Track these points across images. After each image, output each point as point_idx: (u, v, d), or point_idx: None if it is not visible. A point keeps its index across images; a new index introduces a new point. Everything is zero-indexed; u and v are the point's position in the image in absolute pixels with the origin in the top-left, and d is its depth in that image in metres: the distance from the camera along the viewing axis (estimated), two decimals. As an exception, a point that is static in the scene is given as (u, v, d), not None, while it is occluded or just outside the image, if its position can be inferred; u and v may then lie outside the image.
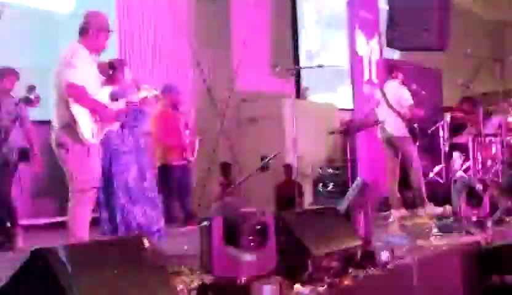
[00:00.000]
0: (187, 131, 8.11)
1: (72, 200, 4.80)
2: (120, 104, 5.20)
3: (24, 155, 6.57)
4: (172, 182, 7.92)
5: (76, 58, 4.81)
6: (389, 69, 8.66)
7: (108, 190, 5.59)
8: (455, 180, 6.53)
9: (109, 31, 5.10)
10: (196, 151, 8.25)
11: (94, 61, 5.04)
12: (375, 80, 10.04)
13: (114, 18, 9.27)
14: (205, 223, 2.96)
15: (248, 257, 3.06)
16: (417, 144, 8.35)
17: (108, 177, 5.55)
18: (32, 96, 6.48)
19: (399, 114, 8.06)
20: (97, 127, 4.83)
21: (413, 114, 8.11)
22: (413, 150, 8.24)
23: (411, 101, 8.08)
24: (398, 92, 8.19)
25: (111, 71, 5.68)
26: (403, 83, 8.40)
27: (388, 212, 7.68)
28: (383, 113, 8.22)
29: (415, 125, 8.24)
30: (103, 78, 5.44)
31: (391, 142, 8.25)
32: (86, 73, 4.84)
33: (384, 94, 8.26)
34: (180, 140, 7.98)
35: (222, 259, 2.96)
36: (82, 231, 4.76)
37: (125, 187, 5.64)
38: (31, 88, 6.48)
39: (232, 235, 3.01)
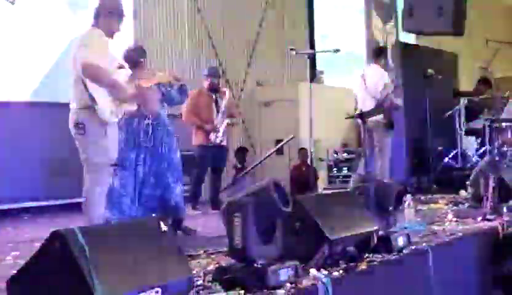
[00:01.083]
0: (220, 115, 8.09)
1: (88, 180, 4.82)
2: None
3: None
4: (205, 161, 7.97)
5: (90, 40, 4.83)
6: (377, 52, 8.64)
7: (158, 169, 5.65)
8: (472, 167, 6.50)
9: (120, 15, 5.09)
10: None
11: (108, 43, 5.04)
12: (391, 65, 9.98)
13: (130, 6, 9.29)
14: (237, 214, 2.94)
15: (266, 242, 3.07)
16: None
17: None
18: None
19: (374, 98, 8.03)
20: (115, 106, 4.84)
21: (389, 100, 8.02)
22: (387, 138, 8.19)
23: (388, 86, 8.02)
24: (376, 76, 8.15)
25: (136, 58, 5.81)
26: (385, 69, 8.40)
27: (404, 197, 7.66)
28: (361, 97, 8.22)
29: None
30: (127, 63, 5.55)
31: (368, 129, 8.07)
32: (101, 54, 4.84)
33: (364, 78, 8.23)
34: (210, 121, 7.94)
35: (250, 244, 2.96)
36: (98, 210, 4.79)
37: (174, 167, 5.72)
38: None
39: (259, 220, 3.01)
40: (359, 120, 7.66)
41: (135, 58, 5.78)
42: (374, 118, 7.86)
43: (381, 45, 9.59)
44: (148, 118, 5.62)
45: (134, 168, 5.56)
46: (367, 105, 7.99)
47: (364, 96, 8.14)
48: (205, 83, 8.04)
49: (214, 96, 8.03)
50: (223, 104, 7.97)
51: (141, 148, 5.59)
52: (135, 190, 5.56)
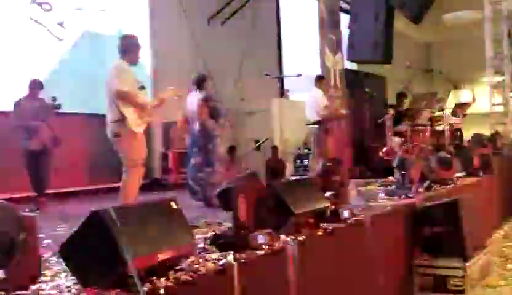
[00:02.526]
0: None
1: (125, 174, 4.82)
2: (156, 102, 5.16)
3: (56, 142, 6.55)
4: None
5: (120, 71, 4.81)
6: (317, 79, 8.70)
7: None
8: (397, 158, 6.52)
9: (139, 47, 5.08)
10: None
11: (132, 71, 5.00)
12: (339, 85, 10.01)
13: (147, 37, 9.22)
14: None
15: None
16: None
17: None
18: (57, 103, 6.61)
19: (317, 113, 8.15)
20: (140, 119, 4.83)
21: (331, 113, 8.27)
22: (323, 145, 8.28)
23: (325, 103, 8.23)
24: (316, 97, 8.31)
25: (200, 81, 6.45)
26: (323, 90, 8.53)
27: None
28: (309, 113, 8.30)
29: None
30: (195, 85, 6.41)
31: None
32: (128, 80, 4.83)
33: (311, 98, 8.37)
34: None
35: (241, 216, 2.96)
36: (132, 195, 4.78)
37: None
38: (54, 98, 6.59)
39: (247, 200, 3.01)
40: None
41: (199, 82, 6.48)
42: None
43: (320, 74, 9.54)
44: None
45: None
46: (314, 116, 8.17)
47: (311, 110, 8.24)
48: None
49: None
50: None
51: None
52: None
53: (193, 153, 6.41)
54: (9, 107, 6.98)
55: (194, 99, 6.46)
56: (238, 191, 2.95)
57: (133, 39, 5.08)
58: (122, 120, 4.68)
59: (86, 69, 8.15)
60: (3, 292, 2.00)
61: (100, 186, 7.78)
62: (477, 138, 9.56)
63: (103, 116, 4.89)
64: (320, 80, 8.61)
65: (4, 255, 2.02)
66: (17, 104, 6.51)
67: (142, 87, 5.16)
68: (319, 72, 10.65)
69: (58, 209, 6.42)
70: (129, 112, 4.71)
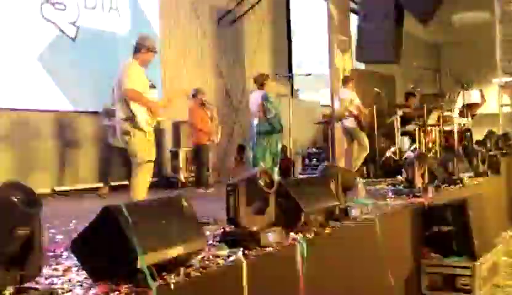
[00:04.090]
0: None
1: (135, 171, 4.83)
2: (165, 100, 5.20)
3: None
4: (203, 156, 8.00)
5: (131, 71, 4.82)
6: (345, 79, 8.87)
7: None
8: (406, 158, 6.51)
9: (154, 52, 5.07)
10: (219, 135, 8.38)
11: (143, 72, 5.02)
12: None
13: (157, 39, 9.24)
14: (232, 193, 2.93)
15: (259, 213, 3.07)
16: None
17: None
18: None
19: (350, 112, 8.32)
20: (150, 118, 4.83)
21: (360, 112, 8.44)
22: (362, 136, 8.53)
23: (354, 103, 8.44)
24: (349, 96, 8.53)
25: (261, 81, 7.19)
26: (353, 89, 8.76)
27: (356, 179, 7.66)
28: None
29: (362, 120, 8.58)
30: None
31: (347, 131, 8.57)
32: (138, 81, 4.84)
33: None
34: (207, 127, 8.04)
35: (243, 214, 2.95)
36: (142, 192, 4.78)
37: None
38: None
39: (250, 197, 2.99)
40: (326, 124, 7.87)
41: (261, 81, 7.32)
42: (352, 125, 8.31)
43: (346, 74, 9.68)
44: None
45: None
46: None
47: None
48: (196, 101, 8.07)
49: (204, 109, 8.10)
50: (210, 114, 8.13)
51: None
52: None
53: (251, 147, 7.23)
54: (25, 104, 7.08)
55: (255, 96, 7.18)
56: (236, 188, 2.93)
57: (148, 40, 5.07)
58: (132, 118, 4.69)
59: (98, 68, 8.17)
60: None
61: (115, 183, 7.79)
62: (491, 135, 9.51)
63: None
64: (348, 80, 8.89)
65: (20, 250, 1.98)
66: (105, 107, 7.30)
67: (152, 86, 5.18)
68: (327, 71, 10.68)
69: (72, 206, 6.46)
70: (139, 111, 4.73)
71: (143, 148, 4.81)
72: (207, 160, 8.12)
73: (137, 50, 4.96)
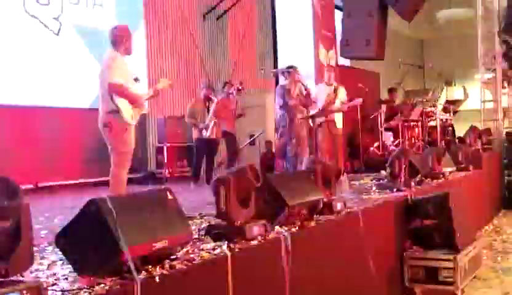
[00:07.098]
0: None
1: (114, 165, 4.78)
2: (150, 93, 5.16)
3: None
4: (201, 150, 7.96)
5: (113, 63, 4.74)
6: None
7: None
8: (389, 153, 6.55)
9: (131, 36, 4.97)
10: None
11: (126, 63, 4.92)
12: (331, 81, 9.98)
13: (143, 31, 9.18)
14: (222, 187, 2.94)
15: (244, 207, 3.08)
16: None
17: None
18: None
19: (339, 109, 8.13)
20: (134, 112, 4.79)
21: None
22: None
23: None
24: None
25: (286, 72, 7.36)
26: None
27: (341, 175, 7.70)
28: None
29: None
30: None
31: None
32: (122, 72, 4.76)
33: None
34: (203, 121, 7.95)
35: (232, 207, 2.96)
36: (121, 187, 4.74)
37: None
38: None
39: (238, 191, 3.01)
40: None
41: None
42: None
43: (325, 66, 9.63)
44: None
45: None
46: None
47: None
48: (203, 93, 8.03)
49: (207, 103, 8.01)
50: (212, 108, 7.95)
51: None
52: None
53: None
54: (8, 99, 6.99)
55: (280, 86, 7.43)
56: (221, 182, 2.94)
57: (123, 28, 4.96)
58: (116, 111, 4.64)
59: (82, 63, 8.11)
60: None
61: (97, 179, 7.74)
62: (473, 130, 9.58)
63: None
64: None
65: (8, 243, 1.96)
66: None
67: (136, 79, 5.12)
68: (311, 66, 10.68)
69: (55, 201, 6.41)
70: (123, 104, 4.67)
71: (123, 141, 4.75)
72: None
73: (116, 41, 4.83)
